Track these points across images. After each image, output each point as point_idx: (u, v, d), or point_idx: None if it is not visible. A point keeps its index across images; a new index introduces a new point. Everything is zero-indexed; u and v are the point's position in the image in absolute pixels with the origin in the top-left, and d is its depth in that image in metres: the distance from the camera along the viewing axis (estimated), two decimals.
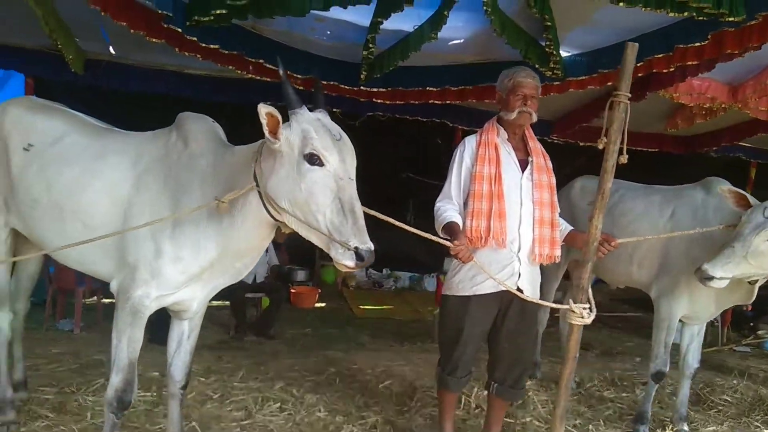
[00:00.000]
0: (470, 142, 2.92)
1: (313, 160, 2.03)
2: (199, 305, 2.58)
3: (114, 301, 2.42)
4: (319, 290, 8.07)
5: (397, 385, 4.00)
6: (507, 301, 2.82)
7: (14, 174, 2.65)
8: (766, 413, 3.97)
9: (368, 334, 6.10)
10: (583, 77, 4.73)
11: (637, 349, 6.19)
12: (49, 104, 2.93)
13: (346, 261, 1.99)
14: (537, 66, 4.35)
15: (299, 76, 4.93)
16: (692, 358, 3.58)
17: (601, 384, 4.47)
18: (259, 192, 2.16)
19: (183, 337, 2.71)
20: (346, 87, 5.21)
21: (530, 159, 2.87)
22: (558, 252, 2.80)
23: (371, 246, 1.98)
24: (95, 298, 5.77)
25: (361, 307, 8.02)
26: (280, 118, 2.05)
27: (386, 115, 6.24)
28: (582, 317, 2.55)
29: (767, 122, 5.55)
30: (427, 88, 5.29)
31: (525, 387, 3.08)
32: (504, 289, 2.71)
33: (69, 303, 5.60)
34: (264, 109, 2.04)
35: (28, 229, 2.70)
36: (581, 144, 6.76)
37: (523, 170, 2.85)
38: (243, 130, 2.58)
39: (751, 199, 3.09)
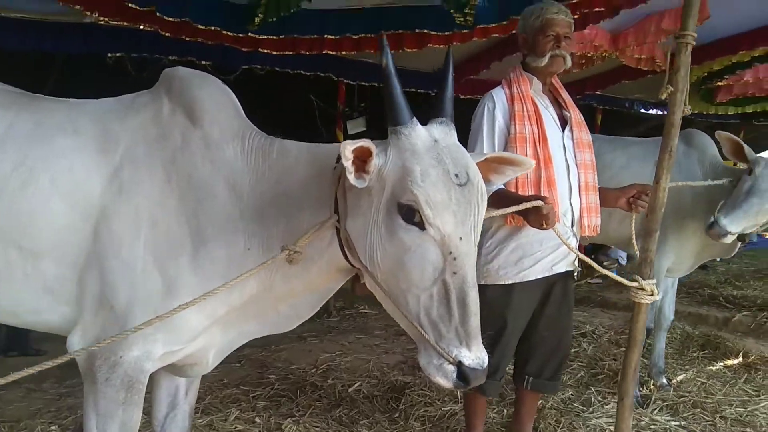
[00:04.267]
0: (499, 96, 2.33)
1: (410, 215, 1.30)
2: (217, 357, 1.74)
3: None
4: None
5: (367, 385, 3.42)
6: (550, 284, 2.42)
7: None
8: (701, 347, 4.23)
9: None
10: (493, 25, 4.43)
11: None
12: None
13: (439, 378, 1.31)
14: (452, 11, 4.01)
15: (170, 19, 3.96)
16: (668, 310, 3.59)
17: None
18: (338, 228, 1.45)
19: (178, 395, 1.87)
20: (229, 34, 4.35)
21: (568, 114, 2.45)
22: (599, 222, 2.47)
23: (484, 360, 1.31)
24: None
25: None
26: (373, 148, 1.33)
27: (265, 68, 5.40)
28: (652, 294, 2.26)
29: (634, 69, 5.87)
30: (325, 36, 4.62)
31: (561, 378, 2.75)
32: (550, 273, 2.33)
33: None
34: (349, 147, 1.28)
35: None
36: (462, 97, 6.58)
37: (562, 128, 2.40)
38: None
39: (746, 147, 3.05)
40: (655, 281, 2.27)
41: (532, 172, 2.25)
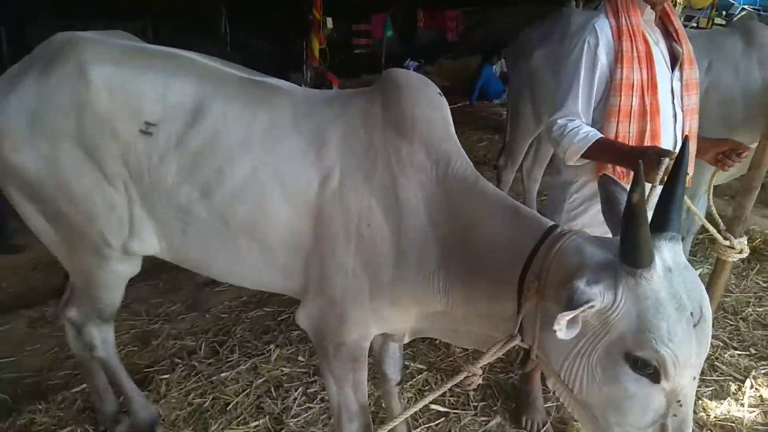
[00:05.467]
0: (603, 30, 1.93)
1: (644, 368, 1.18)
2: (410, 336, 1.89)
3: None
4: None
5: None
6: None
7: (137, 171, 1.76)
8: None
9: None
10: None
11: None
12: (133, 45, 1.87)
13: None
14: None
15: None
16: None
17: None
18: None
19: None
20: None
21: (679, 48, 2.03)
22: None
23: None
24: None
25: None
26: (599, 302, 1.17)
27: None
28: (740, 252, 2.16)
29: None
30: None
31: None
32: None
33: None
34: (566, 320, 1.13)
35: (178, 250, 1.91)
36: None
37: (672, 68, 2.03)
38: None
39: None
40: (746, 239, 2.18)
41: (635, 123, 1.98)
